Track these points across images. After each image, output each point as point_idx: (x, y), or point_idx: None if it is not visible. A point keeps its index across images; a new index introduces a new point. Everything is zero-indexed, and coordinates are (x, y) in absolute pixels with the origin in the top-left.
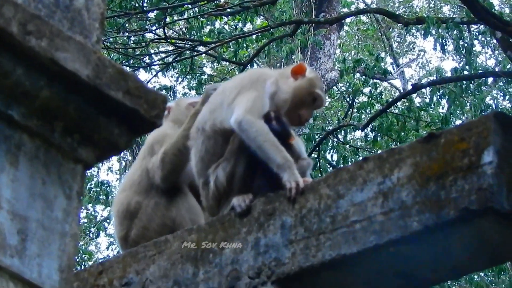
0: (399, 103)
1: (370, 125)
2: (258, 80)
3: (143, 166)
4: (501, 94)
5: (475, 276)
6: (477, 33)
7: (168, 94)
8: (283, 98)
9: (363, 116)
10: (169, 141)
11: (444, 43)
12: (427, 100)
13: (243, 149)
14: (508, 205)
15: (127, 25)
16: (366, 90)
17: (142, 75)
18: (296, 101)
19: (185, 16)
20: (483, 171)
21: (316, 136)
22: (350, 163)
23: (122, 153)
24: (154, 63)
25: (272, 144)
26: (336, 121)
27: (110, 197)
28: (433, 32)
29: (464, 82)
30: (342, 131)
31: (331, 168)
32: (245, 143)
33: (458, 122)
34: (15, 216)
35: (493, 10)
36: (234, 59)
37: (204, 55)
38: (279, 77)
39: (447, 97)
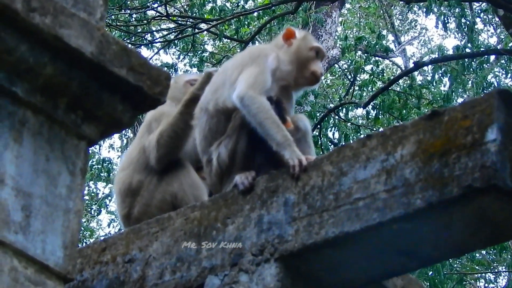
0: (400, 81)
1: (372, 102)
2: (259, 56)
3: (141, 144)
4: (503, 72)
5: (477, 254)
6: (479, 11)
7: (170, 72)
8: (286, 70)
9: (365, 94)
10: (166, 121)
11: (446, 21)
12: (429, 78)
13: (245, 125)
14: (511, 182)
15: (129, 2)
16: (368, 67)
17: (144, 52)
18: (300, 62)
19: None
20: (486, 148)
21: (318, 114)
22: (351, 141)
23: (124, 130)
24: (156, 41)
25: (272, 122)
26: (338, 99)
27: (111, 175)
28: (435, 9)
29: (466, 60)
30: (344, 109)
31: (332, 146)
32: (247, 120)
33: (460, 100)
34: (19, 192)
35: None
36: (236, 36)
37: (205, 32)
38: (277, 50)
39: (449, 75)
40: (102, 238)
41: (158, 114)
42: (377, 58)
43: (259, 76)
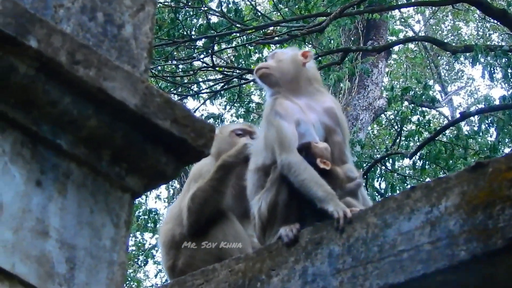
0: (447, 131)
1: (418, 153)
2: (270, 114)
3: (182, 203)
4: None
5: None
6: None
7: (216, 122)
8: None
9: (411, 144)
10: (199, 184)
11: (493, 71)
12: (475, 128)
13: (284, 178)
14: None
15: (175, 53)
16: (414, 118)
17: (190, 103)
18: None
19: (233, 44)
20: None
21: (364, 164)
22: (398, 191)
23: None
24: (202, 91)
25: (310, 181)
26: (384, 149)
27: (158, 225)
28: (482, 60)
29: None
30: (390, 159)
31: (379, 196)
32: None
33: (506, 150)
34: (63, 244)
35: None
36: None
37: (252, 83)
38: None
39: (495, 125)
40: None
41: (197, 173)
42: (423, 108)
43: (279, 135)
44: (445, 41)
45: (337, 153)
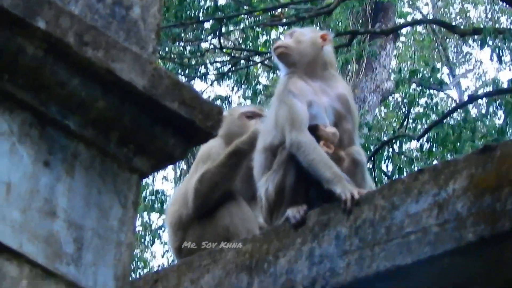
0: (455, 114)
1: (426, 135)
2: (283, 92)
3: (188, 184)
4: None
5: None
6: None
7: (224, 104)
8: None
9: (419, 127)
10: (208, 166)
11: (501, 54)
12: (483, 111)
13: (291, 160)
14: None
15: (182, 35)
16: (422, 100)
17: (198, 84)
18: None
19: (241, 26)
20: None
21: (372, 147)
22: (405, 174)
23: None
24: (210, 73)
25: (319, 161)
26: (392, 132)
27: (165, 206)
28: (490, 42)
29: None
30: (398, 142)
31: (386, 179)
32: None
33: None
34: (71, 224)
35: None
36: None
37: (259, 65)
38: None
39: (503, 108)
40: (155, 269)
41: (205, 154)
42: (431, 91)
43: (292, 113)
44: (454, 23)
45: (346, 140)
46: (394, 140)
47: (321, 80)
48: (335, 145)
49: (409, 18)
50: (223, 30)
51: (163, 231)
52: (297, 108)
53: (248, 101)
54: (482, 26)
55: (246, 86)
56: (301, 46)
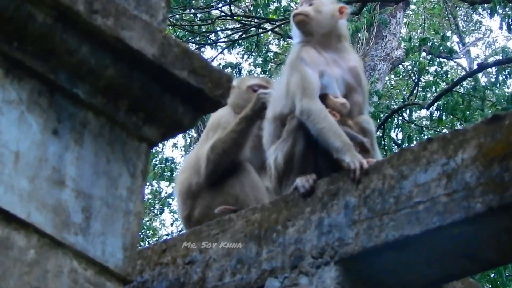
0: (464, 82)
1: (435, 104)
2: (296, 60)
3: (199, 152)
4: None
5: None
6: None
7: (234, 71)
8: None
9: (429, 95)
10: (219, 134)
11: (511, 22)
12: (493, 80)
13: (301, 129)
14: None
15: (193, 2)
16: (432, 69)
17: (208, 52)
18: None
19: None
20: None
21: (381, 115)
22: (414, 142)
23: (185, 131)
24: (220, 40)
25: (329, 130)
26: (401, 100)
27: (174, 174)
28: (500, 11)
29: None
30: (407, 110)
31: (396, 147)
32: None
33: None
34: (80, 193)
35: None
36: None
37: (270, 32)
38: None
39: None
40: (164, 237)
41: (216, 123)
42: (441, 59)
43: (303, 82)
44: None
45: (356, 112)
46: (404, 108)
47: (334, 51)
48: (344, 116)
49: None
50: None
51: (173, 199)
52: (309, 76)
53: (259, 69)
54: None
55: (256, 53)
56: (321, 17)
